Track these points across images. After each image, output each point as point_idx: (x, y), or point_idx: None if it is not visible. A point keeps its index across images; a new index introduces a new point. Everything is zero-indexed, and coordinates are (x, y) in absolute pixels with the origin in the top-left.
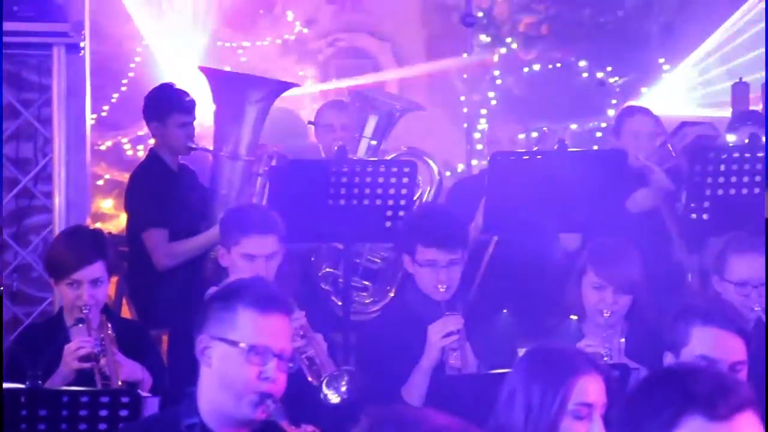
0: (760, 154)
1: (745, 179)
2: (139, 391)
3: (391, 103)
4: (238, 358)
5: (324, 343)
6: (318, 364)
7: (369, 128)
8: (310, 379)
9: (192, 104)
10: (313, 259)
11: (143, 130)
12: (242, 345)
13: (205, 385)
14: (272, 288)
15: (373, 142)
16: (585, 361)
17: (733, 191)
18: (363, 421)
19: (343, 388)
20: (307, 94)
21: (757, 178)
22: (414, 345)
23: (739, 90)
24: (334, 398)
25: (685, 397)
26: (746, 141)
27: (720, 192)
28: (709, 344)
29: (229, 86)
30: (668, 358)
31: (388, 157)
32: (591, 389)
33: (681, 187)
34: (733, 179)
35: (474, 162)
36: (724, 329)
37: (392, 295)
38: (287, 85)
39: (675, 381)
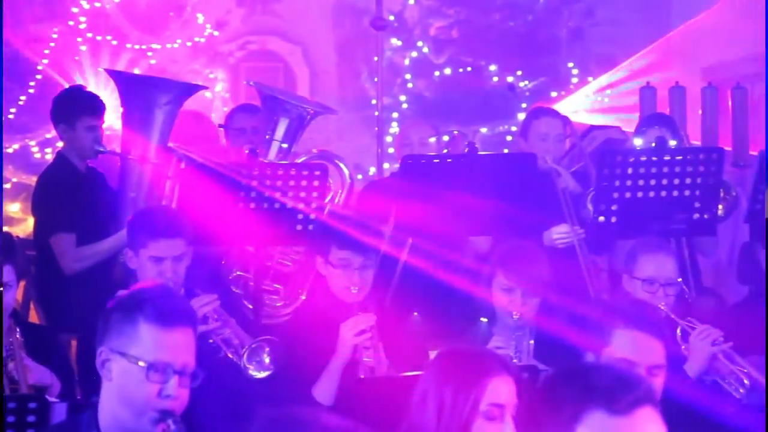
0: (667, 158)
1: (653, 182)
2: (47, 396)
3: (302, 106)
4: (137, 375)
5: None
6: (235, 345)
7: (280, 131)
8: (230, 356)
9: (100, 107)
10: (223, 262)
11: (51, 132)
12: (141, 363)
13: (105, 398)
14: (175, 300)
15: (284, 145)
16: (496, 363)
17: (640, 194)
18: (255, 423)
19: (267, 360)
20: (218, 96)
21: (664, 181)
22: (326, 347)
23: (647, 94)
24: (258, 372)
25: (586, 392)
26: (653, 144)
27: (627, 195)
28: (629, 347)
29: (138, 89)
30: (589, 358)
31: (299, 160)
32: (502, 390)
33: (589, 190)
34: (641, 182)
35: (386, 165)
36: (645, 332)
37: (303, 298)
38: (196, 88)
39: (577, 378)
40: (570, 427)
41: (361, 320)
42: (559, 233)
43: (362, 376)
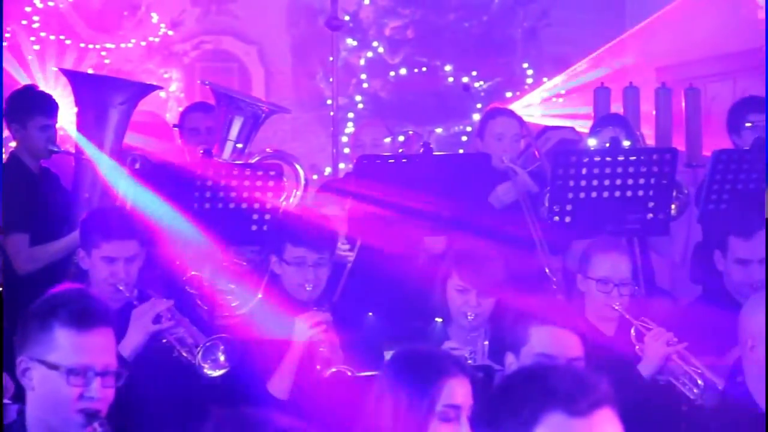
0: (621, 158)
1: (606, 182)
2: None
3: (256, 106)
4: (58, 381)
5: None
6: (189, 344)
7: (234, 131)
8: (185, 355)
9: (54, 107)
10: (178, 262)
11: (4, 132)
12: (60, 369)
13: (31, 407)
14: (90, 301)
15: (239, 145)
16: (452, 364)
17: (594, 194)
18: (207, 424)
19: (222, 358)
20: (173, 96)
21: (618, 181)
22: (280, 346)
23: (601, 94)
24: (214, 371)
25: (545, 393)
26: (607, 145)
27: (582, 195)
28: (546, 342)
29: (92, 88)
30: (509, 359)
31: (254, 160)
32: (458, 391)
33: (545, 189)
34: (595, 182)
35: (341, 165)
36: (559, 326)
37: (258, 298)
38: (151, 88)
39: (536, 379)
40: (528, 428)
41: (316, 314)
42: (503, 190)
43: (318, 367)
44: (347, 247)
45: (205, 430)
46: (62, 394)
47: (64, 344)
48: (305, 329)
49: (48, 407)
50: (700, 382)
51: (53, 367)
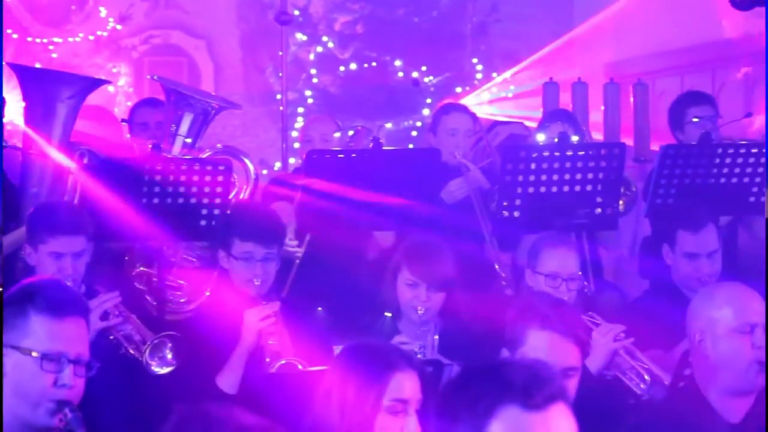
0: (569, 153)
1: (555, 177)
2: None
3: (206, 101)
4: (31, 366)
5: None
6: (137, 341)
7: (184, 126)
8: (132, 352)
9: (0, 101)
10: (126, 258)
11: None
12: (35, 354)
13: (3, 395)
14: (66, 290)
15: (188, 140)
16: (400, 358)
17: (543, 189)
18: (171, 419)
19: (169, 355)
20: (121, 91)
21: (566, 176)
22: (229, 342)
23: (550, 89)
24: (161, 368)
25: (501, 387)
26: (556, 140)
27: (531, 190)
28: (543, 348)
29: (39, 83)
30: (504, 354)
31: (204, 155)
32: (406, 385)
33: (495, 185)
34: (543, 177)
35: (291, 160)
36: (559, 333)
37: (207, 294)
38: (99, 82)
39: (491, 372)
40: (484, 421)
41: (265, 307)
42: (456, 184)
43: (268, 360)
44: (295, 243)
45: (167, 427)
46: (35, 381)
47: (39, 330)
48: (254, 323)
49: (19, 394)
50: (647, 377)
51: (27, 352)
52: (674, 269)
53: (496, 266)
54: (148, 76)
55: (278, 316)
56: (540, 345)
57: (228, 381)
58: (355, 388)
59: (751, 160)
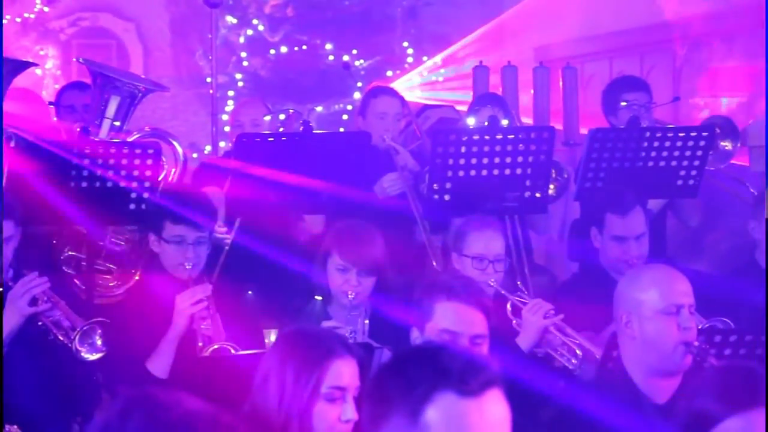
0: (499, 136)
1: (485, 161)
2: None
3: (133, 84)
4: None
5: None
6: (66, 327)
7: (111, 109)
8: (61, 339)
9: None
10: (55, 242)
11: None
12: None
13: None
14: None
15: (116, 123)
16: (339, 344)
17: (473, 172)
18: (115, 404)
19: (99, 342)
20: (49, 74)
21: (496, 160)
22: (160, 326)
23: (479, 73)
24: (91, 355)
25: (437, 373)
26: (485, 123)
27: (461, 173)
28: (451, 318)
29: None
30: (414, 334)
31: (132, 138)
32: (344, 372)
33: (426, 168)
34: (473, 161)
35: (221, 143)
36: (465, 303)
37: (137, 278)
38: (26, 65)
39: (427, 358)
40: (419, 407)
41: (197, 290)
42: (389, 181)
43: (200, 344)
44: (224, 229)
45: (113, 412)
46: None
47: None
48: (186, 307)
49: None
50: (578, 352)
51: None
52: (602, 252)
53: (428, 249)
54: (76, 59)
55: (210, 300)
56: (448, 315)
57: (159, 365)
58: (293, 374)
59: (679, 143)
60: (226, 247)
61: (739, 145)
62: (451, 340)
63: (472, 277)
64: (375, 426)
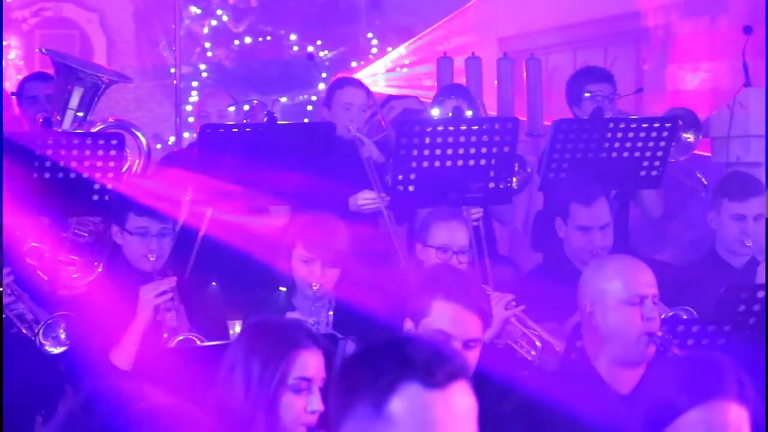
0: (463, 127)
1: (449, 152)
2: None
3: (96, 75)
4: None
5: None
6: (29, 320)
7: (74, 100)
8: (25, 332)
9: None
10: (18, 233)
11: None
12: None
13: None
14: None
15: (80, 114)
16: (305, 335)
17: (437, 163)
18: (78, 397)
19: (62, 335)
20: (11, 64)
21: (461, 151)
22: (123, 318)
23: (444, 64)
24: (55, 348)
25: (402, 364)
26: (450, 114)
27: (425, 164)
28: (447, 320)
29: None
30: (408, 325)
31: (95, 129)
32: (310, 363)
33: (389, 159)
34: (438, 152)
35: (185, 134)
36: (464, 306)
37: (100, 269)
38: None
39: (393, 349)
40: (384, 397)
41: (161, 282)
42: (365, 199)
43: (165, 335)
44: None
45: (76, 406)
46: None
47: None
48: (150, 298)
49: None
50: (538, 343)
51: None
52: (567, 242)
53: (393, 240)
54: (38, 50)
55: (174, 292)
56: (444, 316)
57: (122, 357)
58: (260, 366)
59: (642, 134)
60: (199, 239)
61: (701, 137)
62: (444, 341)
63: None
64: (341, 416)
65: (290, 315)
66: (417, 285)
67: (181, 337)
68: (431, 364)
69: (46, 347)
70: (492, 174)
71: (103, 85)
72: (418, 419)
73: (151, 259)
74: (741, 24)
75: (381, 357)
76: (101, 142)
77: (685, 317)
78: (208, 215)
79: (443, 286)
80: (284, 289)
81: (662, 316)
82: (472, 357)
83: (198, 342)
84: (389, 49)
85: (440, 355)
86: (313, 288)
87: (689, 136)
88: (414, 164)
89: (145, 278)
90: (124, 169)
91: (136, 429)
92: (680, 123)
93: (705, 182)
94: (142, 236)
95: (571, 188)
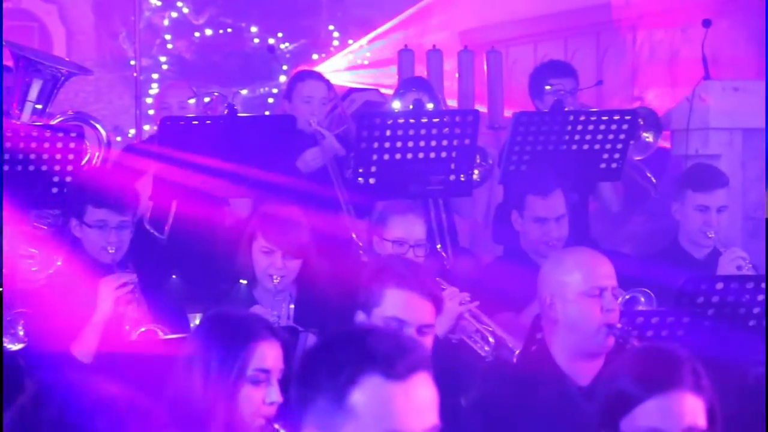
0: (424, 120)
1: (410, 144)
2: None
3: (55, 68)
4: None
5: None
6: None
7: (33, 92)
8: None
9: None
10: None
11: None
12: None
13: None
14: None
15: (38, 106)
16: (263, 327)
17: (398, 156)
18: (28, 391)
19: (21, 332)
20: None
21: (421, 143)
22: (83, 310)
23: (405, 57)
24: (14, 345)
25: (363, 356)
26: (411, 107)
27: (386, 157)
28: (400, 306)
29: None
30: (360, 317)
31: (54, 122)
32: (269, 355)
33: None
34: (399, 144)
35: (146, 127)
36: (415, 292)
37: (59, 262)
38: None
39: (354, 341)
40: (346, 389)
41: (122, 275)
42: (312, 153)
43: (127, 327)
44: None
45: (26, 400)
46: None
47: None
48: (110, 291)
49: None
50: (491, 339)
51: None
52: (523, 235)
53: (353, 234)
54: None
55: (135, 285)
56: (397, 303)
57: (83, 350)
58: (218, 357)
59: (602, 127)
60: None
61: (660, 138)
62: (398, 328)
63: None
64: (301, 409)
65: (252, 308)
66: (368, 276)
67: (143, 329)
68: (392, 356)
69: (5, 344)
70: (453, 166)
71: (63, 78)
72: (379, 411)
73: (110, 251)
74: (701, 17)
75: (342, 349)
76: (60, 134)
77: (642, 299)
78: (173, 208)
79: (394, 274)
80: (245, 281)
81: (619, 300)
82: (427, 343)
83: (160, 334)
84: (350, 41)
85: (401, 347)
86: (274, 280)
87: (648, 136)
88: (375, 157)
89: (105, 271)
90: (84, 161)
91: (88, 421)
92: (641, 122)
93: (654, 181)
94: (101, 229)
95: (526, 181)
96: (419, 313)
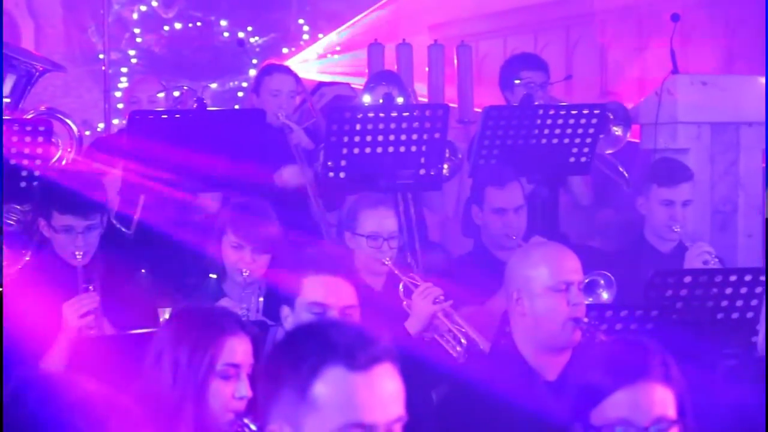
0: (394, 114)
1: (380, 138)
2: None
3: (30, 64)
4: None
5: None
6: None
7: (6, 87)
8: None
9: None
10: None
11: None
12: None
13: None
14: None
15: (7, 100)
16: (233, 322)
17: (368, 150)
18: (6, 387)
19: None
20: None
21: (391, 137)
22: (51, 311)
23: (375, 51)
24: None
25: (326, 348)
26: (381, 101)
27: (356, 151)
28: (320, 291)
29: None
30: (285, 312)
31: (27, 117)
32: (238, 349)
33: (321, 145)
34: (369, 138)
35: (115, 121)
36: (333, 275)
37: (27, 258)
38: None
39: (316, 333)
40: (308, 381)
41: (84, 301)
42: (290, 173)
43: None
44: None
45: (6, 396)
46: None
47: None
48: (74, 319)
49: None
50: (463, 341)
51: None
52: (484, 228)
53: (322, 227)
54: None
55: (98, 311)
56: (316, 289)
57: (53, 365)
58: (187, 352)
59: (572, 121)
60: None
61: (629, 132)
62: (322, 312)
63: (366, 255)
64: (268, 402)
65: (221, 302)
66: (285, 272)
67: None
68: (354, 347)
69: None
70: (422, 160)
71: (37, 74)
72: (342, 402)
73: (78, 256)
74: (670, 11)
75: (304, 342)
76: (28, 128)
77: (602, 282)
78: (140, 202)
79: (310, 262)
80: (215, 275)
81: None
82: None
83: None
84: (320, 35)
85: (363, 338)
86: (243, 274)
87: (618, 130)
88: (345, 151)
89: (73, 269)
90: (56, 156)
91: (66, 419)
92: (610, 116)
93: (627, 175)
94: (67, 233)
95: (484, 174)
96: (340, 295)
